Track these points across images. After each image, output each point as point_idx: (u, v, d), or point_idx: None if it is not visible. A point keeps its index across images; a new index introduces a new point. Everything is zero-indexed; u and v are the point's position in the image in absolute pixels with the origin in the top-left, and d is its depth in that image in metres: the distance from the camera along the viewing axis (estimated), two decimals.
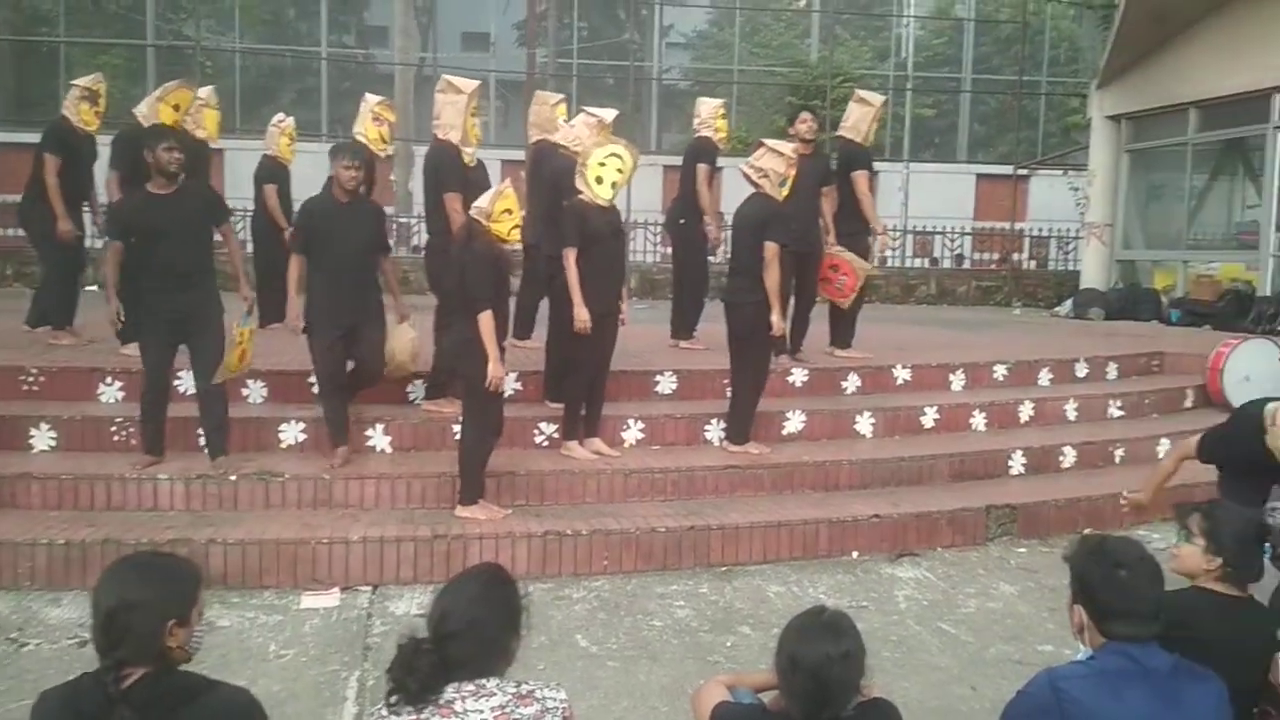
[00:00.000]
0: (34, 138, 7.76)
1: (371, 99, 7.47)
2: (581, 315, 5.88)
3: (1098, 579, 2.55)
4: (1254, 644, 3.00)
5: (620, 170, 6.02)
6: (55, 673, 4.05)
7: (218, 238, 5.79)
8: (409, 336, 6.17)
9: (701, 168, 7.95)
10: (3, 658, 4.25)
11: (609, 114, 7.31)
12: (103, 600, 2.23)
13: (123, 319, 5.76)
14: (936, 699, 4.13)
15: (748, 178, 6.42)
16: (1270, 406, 4.38)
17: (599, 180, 5.99)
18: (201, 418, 5.73)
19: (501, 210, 5.41)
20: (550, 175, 7.01)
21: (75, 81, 7.63)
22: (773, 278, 6.12)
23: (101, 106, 7.52)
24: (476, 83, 6.84)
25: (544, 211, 6.89)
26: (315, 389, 6.08)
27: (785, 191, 6.41)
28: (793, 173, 6.46)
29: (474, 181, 6.38)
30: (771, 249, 6.13)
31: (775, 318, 6.17)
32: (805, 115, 7.60)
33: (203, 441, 5.80)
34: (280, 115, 8.86)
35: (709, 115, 8.09)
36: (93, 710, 2.15)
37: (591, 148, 6.19)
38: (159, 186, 5.53)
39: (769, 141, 6.61)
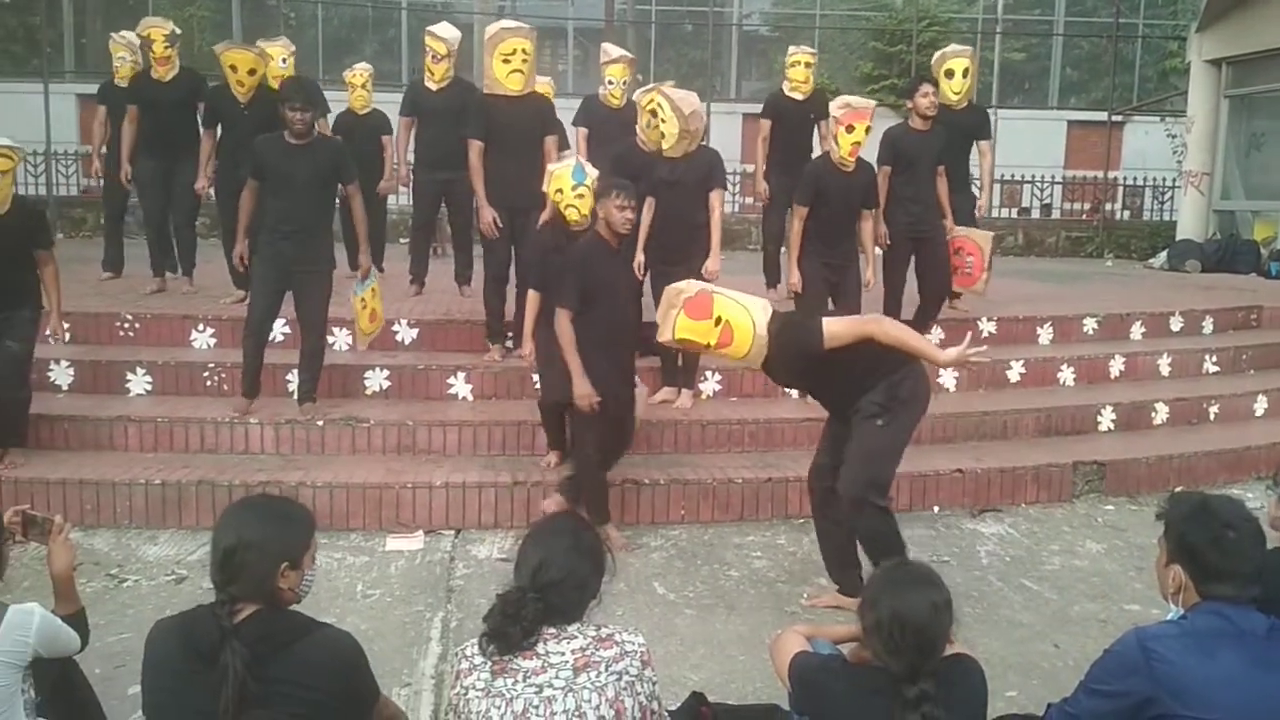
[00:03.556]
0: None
1: None
2: (637, 259, 5.91)
3: (1204, 540, 2.47)
4: None
5: (664, 120, 5.82)
6: (153, 608, 4.22)
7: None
8: (640, 396, 5.43)
9: (761, 123, 7.89)
10: (103, 592, 4.43)
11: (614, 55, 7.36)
12: (222, 538, 2.34)
13: (246, 261, 5.87)
14: (1018, 656, 4.08)
15: None
16: None
17: None
18: (300, 367, 5.84)
19: (554, 190, 5.34)
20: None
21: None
22: (791, 230, 6.38)
23: (134, 58, 7.82)
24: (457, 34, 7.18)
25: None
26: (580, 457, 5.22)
27: (843, 150, 6.09)
28: (840, 128, 6.09)
29: (508, 124, 6.18)
30: (796, 210, 6.31)
31: (791, 276, 6.34)
32: (926, 88, 6.84)
33: (291, 387, 5.93)
34: (362, 64, 8.86)
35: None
36: (206, 641, 2.25)
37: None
38: (293, 136, 5.60)
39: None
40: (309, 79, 7.23)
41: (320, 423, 5.75)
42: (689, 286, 4.14)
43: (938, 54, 7.70)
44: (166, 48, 7.37)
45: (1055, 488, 6.02)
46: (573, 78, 21.95)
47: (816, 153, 7.82)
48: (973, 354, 3.90)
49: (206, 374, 6.17)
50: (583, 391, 4.84)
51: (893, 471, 4.32)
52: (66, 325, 5.55)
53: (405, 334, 6.69)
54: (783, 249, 7.98)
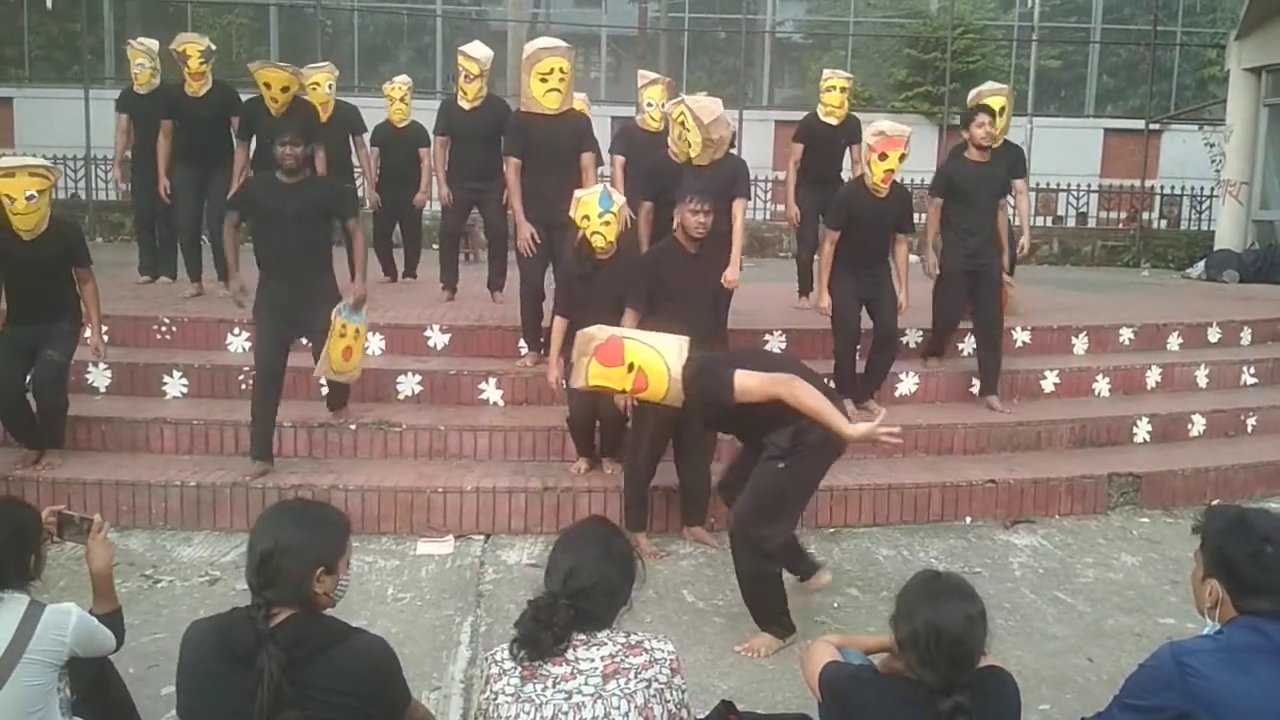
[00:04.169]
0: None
1: None
2: None
3: (1242, 554, 2.44)
4: None
5: (688, 129, 5.80)
6: (187, 608, 4.27)
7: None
8: None
9: (793, 146, 7.87)
10: (138, 593, 4.47)
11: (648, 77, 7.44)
12: (259, 542, 2.37)
13: (241, 305, 5.66)
14: (1051, 669, 4.03)
15: None
16: None
17: None
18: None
19: (580, 217, 5.33)
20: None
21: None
22: (822, 254, 6.40)
23: (153, 65, 7.98)
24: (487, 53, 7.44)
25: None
26: (626, 467, 5.29)
27: (876, 176, 6.08)
28: (873, 156, 6.06)
29: (545, 141, 6.14)
30: (826, 234, 6.34)
31: (821, 300, 6.35)
32: (982, 118, 6.51)
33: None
34: (402, 77, 8.93)
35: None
36: (242, 645, 2.27)
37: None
38: (284, 174, 5.38)
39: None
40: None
41: (353, 427, 5.79)
42: (599, 333, 4.07)
43: (974, 92, 7.61)
44: (201, 63, 7.49)
45: (1090, 499, 5.96)
46: (605, 85, 22.02)
47: (846, 172, 7.85)
48: (884, 433, 3.74)
49: (242, 377, 6.22)
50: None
51: (790, 516, 4.20)
52: (105, 329, 5.61)
53: (437, 339, 6.73)
54: (816, 256, 7.98)
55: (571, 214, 5.40)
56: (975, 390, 6.80)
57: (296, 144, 5.32)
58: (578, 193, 5.45)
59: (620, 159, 7.17)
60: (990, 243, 6.66)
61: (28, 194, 5.01)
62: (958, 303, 6.69)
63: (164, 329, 6.70)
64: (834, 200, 6.43)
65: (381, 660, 2.40)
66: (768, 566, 4.11)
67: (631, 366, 3.97)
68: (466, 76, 7.44)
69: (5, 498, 3.84)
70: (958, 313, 6.73)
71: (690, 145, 5.84)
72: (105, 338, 5.65)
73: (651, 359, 3.96)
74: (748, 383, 3.79)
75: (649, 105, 7.29)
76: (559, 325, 5.44)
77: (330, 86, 7.94)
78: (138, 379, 6.23)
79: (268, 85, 7.19)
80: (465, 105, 7.49)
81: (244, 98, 7.70)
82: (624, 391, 4.09)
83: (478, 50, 7.55)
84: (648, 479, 5.15)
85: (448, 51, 21.06)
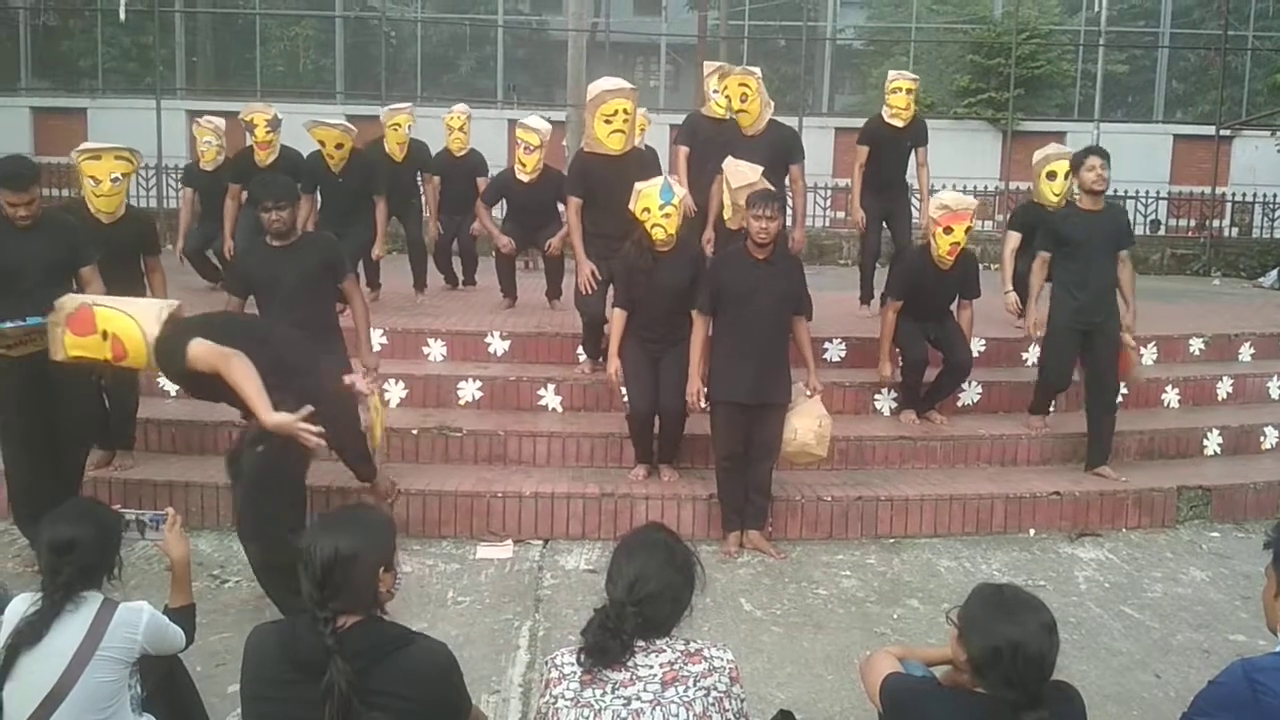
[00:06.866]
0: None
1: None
2: (707, 234, 6.48)
3: None
4: None
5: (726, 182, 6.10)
6: (253, 608, 4.37)
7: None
8: (817, 414, 5.24)
9: (858, 149, 7.72)
10: (205, 592, 4.55)
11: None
12: (318, 554, 2.35)
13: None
14: (1117, 685, 3.96)
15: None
16: None
17: None
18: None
19: (641, 209, 5.31)
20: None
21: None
22: (884, 321, 6.26)
23: (219, 142, 8.28)
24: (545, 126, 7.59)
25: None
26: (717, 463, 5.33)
27: (941, 249, 5.96)
28: (938, 229, 5.95)
29: (608, 181, 6.02)
30: (889, 303, 6.27)
31: (882, 369, 6.29)
32: (1094, 160, 5.76)
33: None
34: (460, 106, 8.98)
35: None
36: (308, 654, 2.30)
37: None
38: (274, 238, 5.07)
39: None
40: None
41: (415, 431, 5.85)
42: (69, 302, 3.98)
43: (1039, 155, 7.36)
44: (268, 132, 7.66)
45: (1158, 512, 5.84)
46: (664, 93, 22.06)
47: (911, 177, 7.77)
48: (302, 429, 3.70)
49: None
50: (690, 389, 5.15)
51: (289, 494, 4.14)
52: None
53: (497, 346, 6.79)
54: (878, 263, 7.92)
55: (631, 207, 5.39)
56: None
57: (281, 207, 4.92)
58: (638, 185, 5.40)
59: (684, 149, 6.92)
60: (1105, 298, 5.91)
61: (113, 176, 5.23)
62: (1064, 361, 6.05)
63: None
64: (897, 271, 6.34)
65: (444, 665, 2.43)
66: (283, 554, 3.87)
67: (106, 334, 3.90)
68: (526, 148, 7.47)
69: (89, 499, 3.95)
70: (1064, 372, 6.11)
71: (724, 206, 6.12)
72: None
73: (126, 325, 3.89)
74: (198, 350, 3.77)
75: (714, 92, 7.12)
76: (618, 317, 5.44)
77: (410, 127, 8.16)
78: None
79: (322, 143, 7.26)
80: (524, 178, 7.52)
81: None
82: (107, 361, 3.98)
83: (537, 122, 7.62)
84: (730, 482, 5.17)
85: (509, 62, 21.30)
